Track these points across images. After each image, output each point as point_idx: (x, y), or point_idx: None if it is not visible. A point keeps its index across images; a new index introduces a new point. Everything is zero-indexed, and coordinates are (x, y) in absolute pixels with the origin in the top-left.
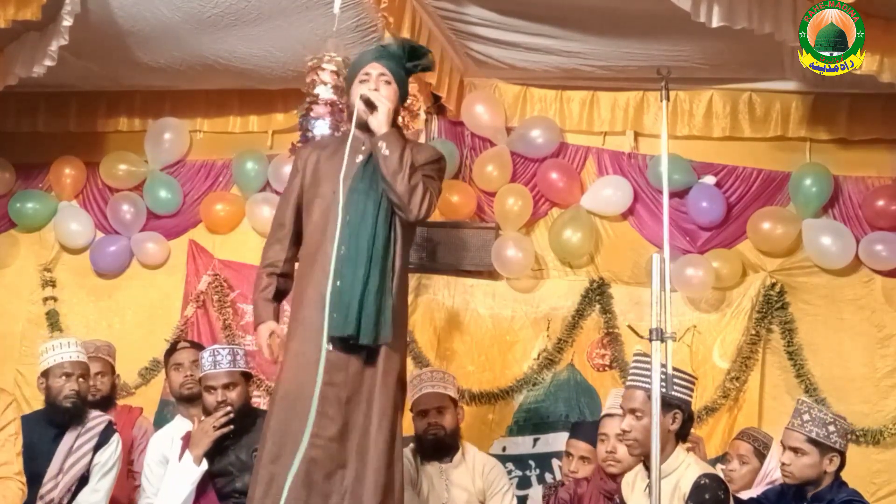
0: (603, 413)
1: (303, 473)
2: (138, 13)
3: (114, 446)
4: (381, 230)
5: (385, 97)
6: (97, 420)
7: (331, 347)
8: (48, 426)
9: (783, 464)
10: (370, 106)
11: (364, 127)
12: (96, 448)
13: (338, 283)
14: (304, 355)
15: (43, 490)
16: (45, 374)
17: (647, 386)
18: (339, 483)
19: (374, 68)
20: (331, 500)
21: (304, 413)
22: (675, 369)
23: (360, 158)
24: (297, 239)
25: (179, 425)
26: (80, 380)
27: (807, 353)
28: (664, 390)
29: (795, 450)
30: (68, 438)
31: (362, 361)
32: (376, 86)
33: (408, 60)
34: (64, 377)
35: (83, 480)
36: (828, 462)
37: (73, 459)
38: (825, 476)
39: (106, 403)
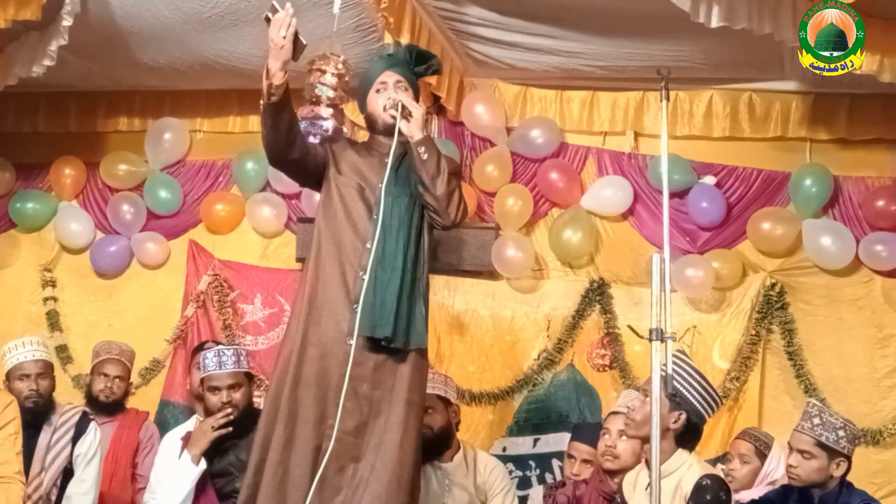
0: (611, 411)
1: (314, 465)
2: (138, 13)
3: (91, 435)
4: (414, 236)
5: (415, 103)
6: (70, 413)
7: (353, 342)
8: (22, 427)
9: (790, 466)
10: (404, 111)
11: (387, 132)
12: (74, 440)
13: (366, 280)
14: (326, 347)
15: (29, 489)
16: (7, 377)
17: (674, 383)
18: (349, 477)
19: (389, 76)
20: (341, 494)
21: (320, 401)
22: (700, 376)
23: (388, 161)
24: (305, 154)
25: (194, 424)
26: (39, 379)
27: (807, 353)
28: (687, 388)
29: (803, 452)
30: (44, 435)
31: (385, 360)
32: (395, 92)
33: (415, 65)
34: (21, 379)
35: (68, 473)
36: (835, 467)
37: (53, 454)
38: (831, 480)
39: (116, 407)
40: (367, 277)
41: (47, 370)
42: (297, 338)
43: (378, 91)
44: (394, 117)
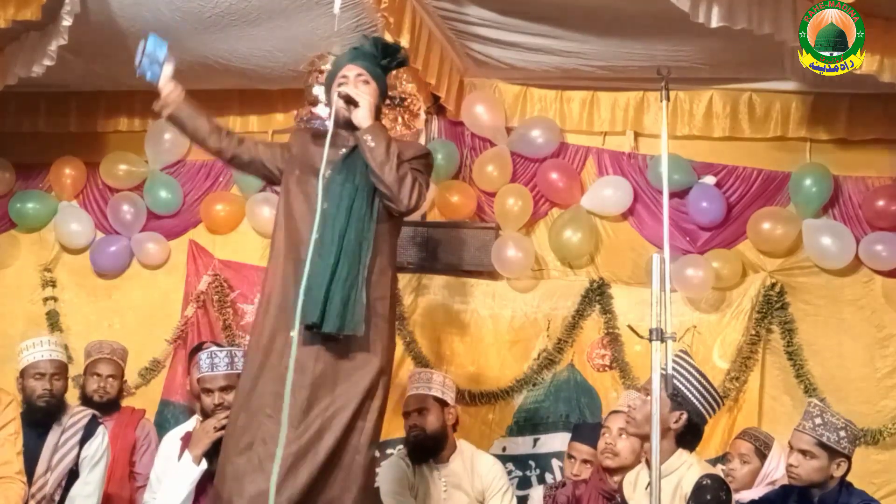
0: (612, 409)
1: (259, 449)
2: (138, 13)
3: (100, 438)
4: (355, 222)
5: (363, 91)
6: (80, 414)
7: (294, 333)
8: (30, 426)
9: (790, 465)
10: (350, 102)
11: (347, 125)
12: (82, 442)
13: (311, 272)
14: (276, 338)
15: (33, 489)
16: (22, 374)
17: (675, 383)
18: (290, 463)
19: (351, 70)
20: (283, 477)
21: (265, 389)
22: (702, 376)
23: (342, 152)
24: (250, 151)
25: (194, 425)
26: (53, 379)
27: (807, 353)
28: (687, 388)
29: (804, 452)
30: (52, 435)
31: (333, 350)
32: (355, 85)
33: (382, 58)
34: (36, 378)
35: (73, 475)
36: (835, 467)
37: (60, 455)
38: (831, 480)
39: (112, 406)
40: (307, 266)
41: (62, 371)
42: (253, 334)
43: (340, 85)
44: (342, 107)
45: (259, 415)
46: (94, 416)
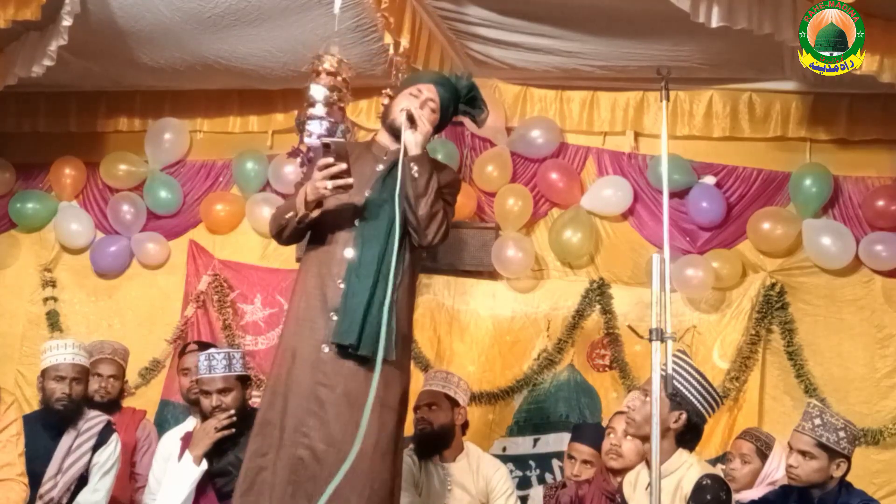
0: (617, 410)
1: (288, 472)
2: (138, 13)
3: (112, 446)
4: (393, 243)
5: (426, 120)
6: (95, 420)
7: (327, 350)
8: (46, 427)
9: (790, 466)
10: (411, 122)
11: (394, 135)
12: (95, 448)
13: (343, 288)
14: (300, 353)
15: (42, 490)
16: (43, 374)
17: (674, 383)
18: (323, 486)
19: (429, 90)
20: (313, 502)
21: (295, 409)
22: (701, 376)
23: (380, 168)
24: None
25: (191, 425)
26: (74, 383)
27: (807, 353)
28: (687, 388)
29: (804, 453)
30: (66, 439)
31: (362, 368)
32: (421, 106)
33: (462, 98)
34: (56, 380)
35: (82, 480)
36: (835, 467)
37: (72, 459)
38: (831, 480)
39: (113, 406)
40: (343, 286)
41: (83, 375)
42: (279, 351)
43: (412, 95)
44: (405, 123)
45: (288, 434)
46: (108, 423)
